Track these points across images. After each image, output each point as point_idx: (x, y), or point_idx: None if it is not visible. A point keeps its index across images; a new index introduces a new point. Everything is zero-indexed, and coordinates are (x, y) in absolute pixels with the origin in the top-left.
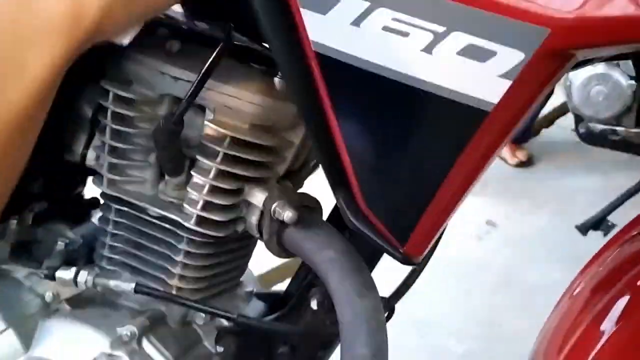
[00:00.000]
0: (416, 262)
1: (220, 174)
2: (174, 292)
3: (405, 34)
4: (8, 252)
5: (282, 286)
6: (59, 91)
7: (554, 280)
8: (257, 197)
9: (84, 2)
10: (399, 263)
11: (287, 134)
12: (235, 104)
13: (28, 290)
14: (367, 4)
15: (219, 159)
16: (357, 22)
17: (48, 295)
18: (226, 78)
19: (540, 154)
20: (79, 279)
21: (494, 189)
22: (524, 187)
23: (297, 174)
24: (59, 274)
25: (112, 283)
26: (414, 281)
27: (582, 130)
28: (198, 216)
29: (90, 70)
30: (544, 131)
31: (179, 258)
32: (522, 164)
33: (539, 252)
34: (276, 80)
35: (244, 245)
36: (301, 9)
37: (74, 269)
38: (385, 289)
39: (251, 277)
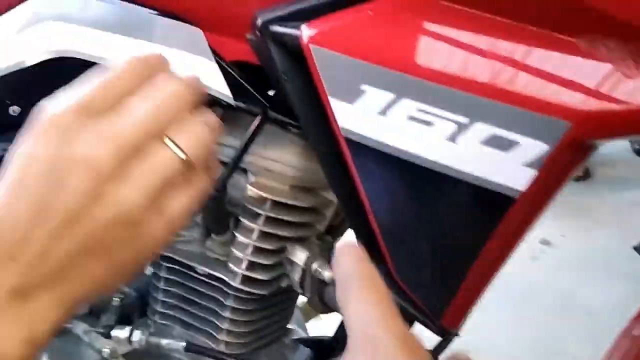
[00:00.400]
0: (453, 333)
1: (263, 235)
2: (222, 346)
3: (429, 124)
4: None
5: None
6: None
7: (615, 303)
8: (299, 255)
9: None
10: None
11: (327, 193)
12: (275, 168)
13: (87, 346)
14: (393, 95)
15: (261, 220)
16: (383, 112)
17: (105, 352)
18: (266, 143)
19: (596, 167)
20: (133, 338)
21: None
22: (579, 202)
23: (338, 228)
24: (115, 332)
25: (164, 342)
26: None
27: (637, 146)
28: (243, 275)
29: None
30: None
31: (226, 314)
32: (578, 178)
33: (597, 272)
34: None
35: (288, 298)
36: (330, 98)
37: (128, 329)
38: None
39: (298, 321)
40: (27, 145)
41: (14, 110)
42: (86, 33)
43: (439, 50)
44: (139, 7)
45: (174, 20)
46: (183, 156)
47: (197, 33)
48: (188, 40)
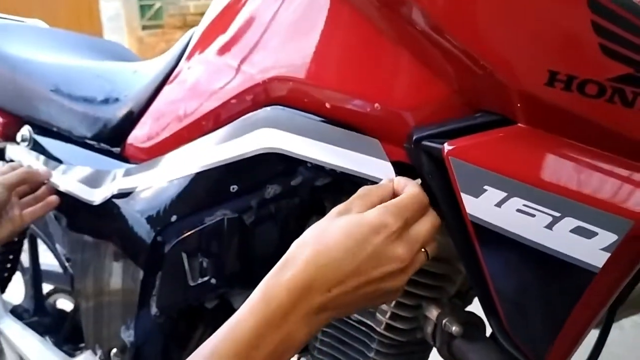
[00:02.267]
0: None
1: (405, 293)
2: None
3: (532, 215)
4: None
5: None
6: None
7: None
8: (432, 312)
9: None
10: None
11: (457, 264)
12: None
13: None
14: (505, 194)
15: None
16: (499, 205)
17: None
18: None
19: None
20: None
21: None
22: None
23: (465, 294)
24: None
25: None
26: None
27: None
28: (386, 324)
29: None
30: None
31: (371, 355)
32: None
33: None
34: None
35: (422, 349)
36: (462, 193)
37: (295, 356)
38: None
39: None
40: (364, 232)
41: (233, 187)
42: (292, 138)
43: (540, 165)
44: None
45: (353, 132)
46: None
47: (374, 141)
48: (368, 146)
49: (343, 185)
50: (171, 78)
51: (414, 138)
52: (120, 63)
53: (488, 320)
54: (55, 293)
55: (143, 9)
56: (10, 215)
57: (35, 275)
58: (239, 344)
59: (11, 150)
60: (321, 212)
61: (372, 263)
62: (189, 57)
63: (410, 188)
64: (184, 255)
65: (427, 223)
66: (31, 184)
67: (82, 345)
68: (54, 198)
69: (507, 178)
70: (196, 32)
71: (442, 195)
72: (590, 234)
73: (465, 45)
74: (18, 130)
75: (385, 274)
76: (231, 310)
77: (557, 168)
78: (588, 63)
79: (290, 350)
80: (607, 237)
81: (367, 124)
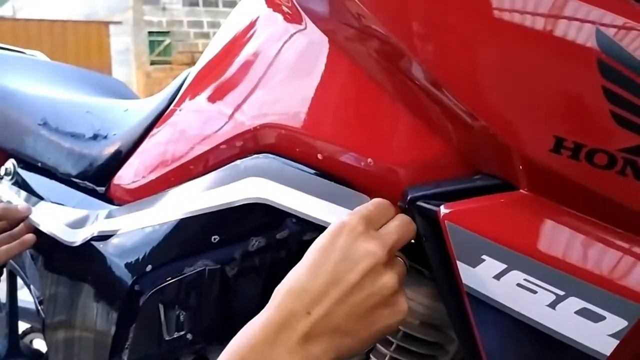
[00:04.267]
0: None
1: None
2: None
3: (534, 292)
4: None
5: None
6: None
7: None
8: None
9: None
10: None
11: (450, 332)
12: (409, 305)
13: None
14: (504, 265)
15: (392, 347)
16: (497, 277)
17: None
18: (404, 284)
19: None
20: None
21: None
22: None
23: None
24: None
25: None
26: None
27: None
28: None
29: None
30: None
31: None
32: None
33: None
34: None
35: None
36: (457, 261)
37: None
38: None
39: None
40: (326, 240)
41: (215, 238)
42: (281, 189)
43: (543, 236)
44: (322, 179)
45: (344, 187)
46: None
47: (364, 197)
48: (358, 202)
49: None
50: (162, 119)
51: (408, 197)
52: (113, 100)
53: None
54: (32, 332)
55: (152, 44)
56: None
57: (12, 313)
58: None
59: None
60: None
61: (344, 266)
62: (182, 99)
63: (375, 199)
64: (161, 307)
65: (397, 222)
66: (9, 221)
67: None
68: (30, 237)
69: (508, 249)
70: (191, 73)
71: (436, 259)
72: (597, 318)
73: (465, 103)
74: (2, 163)
75: (363, 273)
76: None
77: (563, 241)
78: (598, 131)
79: None
80: (616, 323)
81: (360, 178)
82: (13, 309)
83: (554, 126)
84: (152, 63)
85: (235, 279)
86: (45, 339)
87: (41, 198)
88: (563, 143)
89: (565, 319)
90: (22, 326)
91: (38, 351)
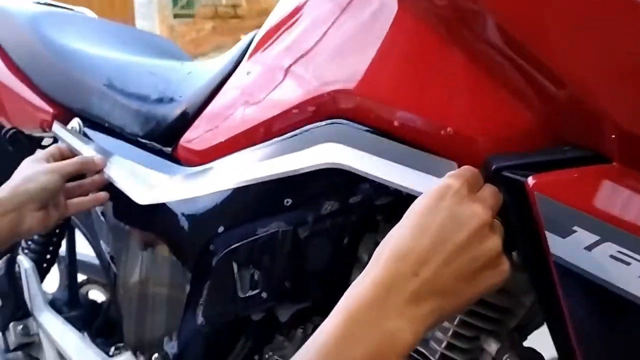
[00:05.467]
0: None
1: (463, 323)
2: None
3: (627, 263)
4: None
5: None
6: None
7: None
8: (491, 346)
9: None
10: None
11: (521, 297)
12: None
13: None
14: (597, 237)
15: (463, 311)
16: (589, 248)
17: None
18: None
19: None
20: None
21: None
22: None
23: (524, 328)
24: None
25: None
26: None
27: None
28: (442, 354)
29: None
30: None
31: None
32: None
33: None
34: (514, 254)
35: None
36: (547, 232)
37: None
38: None
39: None
40: (430, 201)
41: (287, 201)
42: (358, 154)
43: (638, 210)
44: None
45: (426, 153)
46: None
47: (451, 163)
48: (442, 168)
49: (400, 204)
50: (229, 82)
51: (493, 167)
52: (174, 62)
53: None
54: (88, 284)
55: None
56: (56, 203)
57: (71, 266)
58: (325, 347)
59: (60, 132)
60: (374, 230)
61: (450, 227)
62: (249, 61)
63: (463, 168)
64: (235, 266)
65: (488, 189)
66: (88, 173)
67: (118, 343)
68: (104, 195)
69: (601, 221)
70: (257, 35)
71: (522, 230)
72: None
73: (553, 67)
74: (68, 122)
75: (470, 235)
76: (277, 324)
77: None
78: None
79: (398, 351)
80: None
81: (438, 146)
82: (72, 262)
83: None
84: (175, 16)
85: (307, 240)
86: (111, 294)
87: (109, 151)
88: None
89: None
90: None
91: (95, 302)
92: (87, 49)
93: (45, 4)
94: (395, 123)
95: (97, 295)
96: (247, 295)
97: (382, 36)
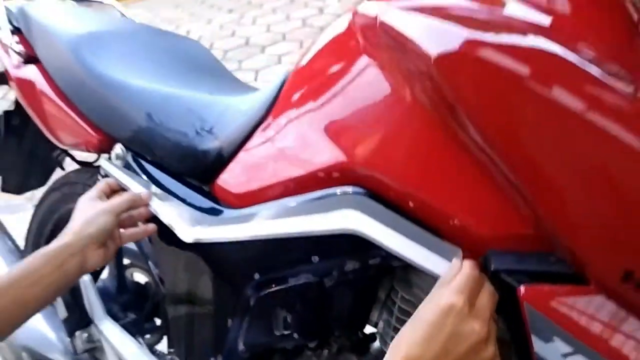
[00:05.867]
0: None
1: None
2: None
3: None
4: None
5: None
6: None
7: None
8: None
9: None
10: None
11: None
12: None
13: None
14: (572, 349)
15: None
16: (565, 356)
17: None
18: None
19: None
20: None
21: None
22: None
23: None
24: None
25: None
26: None
27: None
28: None
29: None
30: None
31: None
32: None
33: None
34: None
35: None
36: (532, 334)
37: None
38: None
39: None
40: (438, 316)
41: (315, 258)
42: (376, 225)
43: (603, 333)
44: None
45: (433, 236)
46: None
47: (456, 249)
48: (449, 252)
49: None
50: (261, 127)
51: (492, 267)
52: (210, 97)
53: None
54: (131, 267)
55: None
56: (112, 237)
57: (118, 256)
58: None
59: (106, 166)
60: (391, 273)
61: (454, 341)
62: (280, 108)
63: (465, 268)
64: (270, 308)
65: (487, 294)
66: (137, 208)
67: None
68: (152, 227)
69: (575, 338)
70: (289, 78)
71: (512, 325)
72: None
73: (546, 220)
74: (111, 147)
75: (469, 348)
76: (309, 349)
77: (620, 341)
78: None
79: None
80: None
81: (447, 232)
82: (119, 252)
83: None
84: None
85: (332, 288)
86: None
87: (152, 185)
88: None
89: None
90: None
91: (139, 284)
92: (127, 79)
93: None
94: (410, 204)
95: (140, 277)
96: (282, 333)
97: (401, 119)
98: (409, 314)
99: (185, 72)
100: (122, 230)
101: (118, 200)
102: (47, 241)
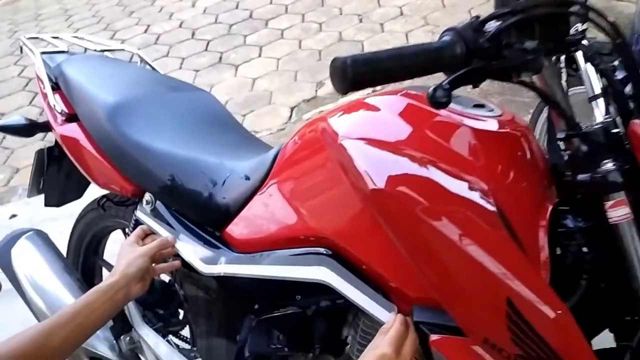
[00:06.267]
0: None
1: None
2: None
3: None
4: None
5: None
6: None
7: None
8: None
9: None
10: None
11: None
12: None
13: None
14: None
15: None
16: None
17: None
18: None
19: None
20: None
21: None
22: None
23: None
24: None
25: None
26: None
27: None
28: None
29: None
30: None
31: None
32: None
33: None
34: None
35: None
36: None
37: None
38: None
39: None
40: (380, 349)
41: (298, 297)
42: (341, 280)
43: None
44: (365, 284)
45: (378, 295)
46: None
47: (393, 306)
48: (389, 308)
49: None
50: (258, 193)
51: (414, 319)
52: (218, 162)
53: None
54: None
55: None
56: (148, 271)
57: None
58: None
59: (139, 212)
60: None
61: None
62: (273, 180)
63: (396, 323)
64: (267, 329)
65: (410, 342)
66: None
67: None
68: (178, 263)
69: None
70: (281, 152)
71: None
72: None
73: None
74: (142, 194)
75: None
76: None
77: None
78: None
79: None
80: None
81: (389, 291)
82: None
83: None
84: None
85: (313, 316)
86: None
87: (176, 230)
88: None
89: None
90: None
91: (163, 281)
92: (154, 143)
93: (102, 50)
94: (364, 267)
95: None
96: (277, 347)
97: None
98: (370, 332)
99: (201, 129)
100: (154, 265)
101: (151, 244)
102: (86, 251)
